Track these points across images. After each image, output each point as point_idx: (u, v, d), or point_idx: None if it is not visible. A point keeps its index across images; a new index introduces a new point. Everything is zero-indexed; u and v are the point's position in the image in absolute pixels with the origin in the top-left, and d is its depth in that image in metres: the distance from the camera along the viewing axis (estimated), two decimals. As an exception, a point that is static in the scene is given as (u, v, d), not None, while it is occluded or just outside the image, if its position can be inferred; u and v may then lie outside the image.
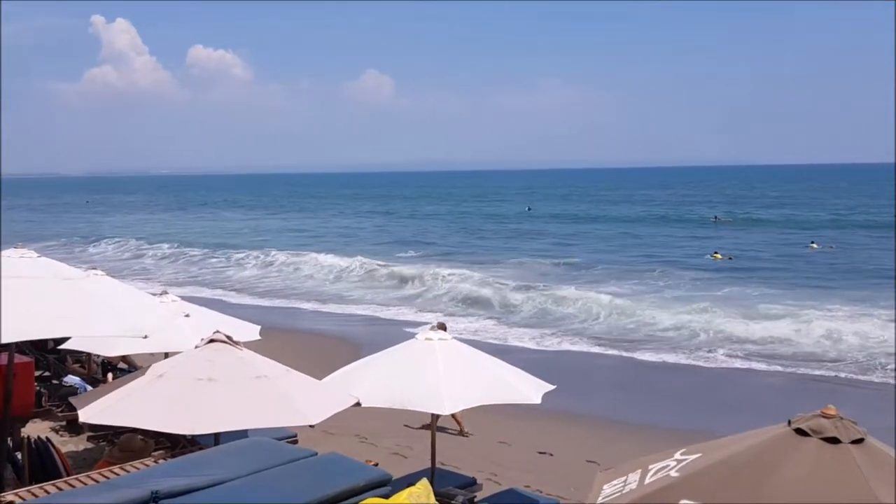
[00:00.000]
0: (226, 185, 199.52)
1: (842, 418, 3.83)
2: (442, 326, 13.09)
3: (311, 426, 6.39)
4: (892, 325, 20.41)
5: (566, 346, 19.69)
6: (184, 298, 11.04)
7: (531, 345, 19.80)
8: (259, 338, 9.82)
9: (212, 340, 6.82)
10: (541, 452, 11.51)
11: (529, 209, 78.56)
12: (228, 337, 6.87)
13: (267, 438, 6.05)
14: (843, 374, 16.47)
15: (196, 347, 6.89)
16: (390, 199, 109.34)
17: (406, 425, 12.38)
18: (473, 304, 25.25)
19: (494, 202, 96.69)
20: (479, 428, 12.03)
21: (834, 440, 3.72)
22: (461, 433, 12.31)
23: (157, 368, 6.74)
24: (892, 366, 16.50)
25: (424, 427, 12.42)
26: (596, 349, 19.18)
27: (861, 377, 16.26)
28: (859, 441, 3.72)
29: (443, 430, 12.51)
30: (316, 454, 5.43)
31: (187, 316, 8.75)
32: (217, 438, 7.05)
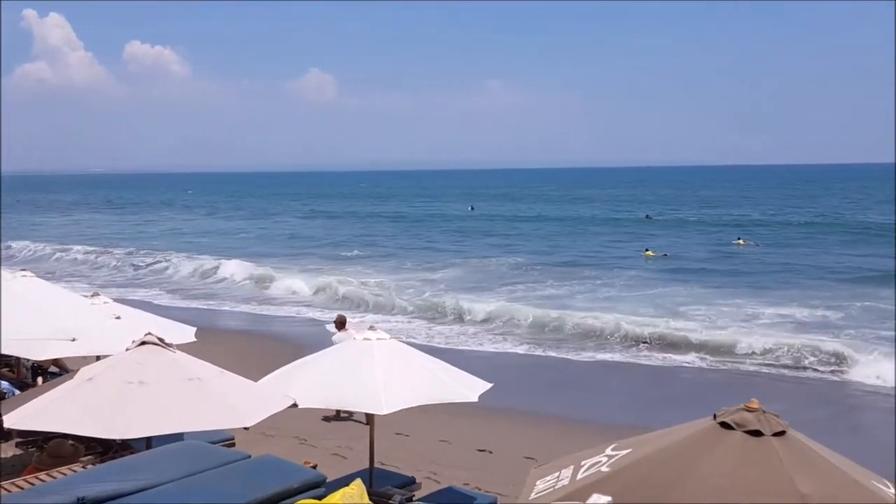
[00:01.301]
0: (164, 184, 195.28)
1: (765, 412, 3.96)
2: (341, 319, 13.21)
3: (245, 428, 6.30)
4: (813, 321, 21.21)
5: (502, 346, 19.74)
6: (117, 300, 10.76)
7: (468, 345, 19.82)
8: (194, 339, 9.65)
9: (143, 342, 6.67)
10: (480, 450, 11.56)
11: (472, 209, 78.88)
12: (160, 339, 6.73)
13: (200, 442, 5.96)
14: (772, 371, 16.87)
15: (127, 350, 6.72)
16: (334, 199, 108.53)
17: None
18: (408, 303, 25.09)
19: (438, 202, 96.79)
20: (419, 427, 12.02)
21: (757, 433, 3.84)
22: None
23: (86, 372, 6.56)
24: (815, 359, 17.01)
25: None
26: (532, 349, 19.26)
27: (788, 373, 16.72)
28: (781, 433, 3.86)
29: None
30: (249, 457, 5.37)
31: (118, 318, 8.56)
32: (149, 442, 6.92)
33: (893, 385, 15.14)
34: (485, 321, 22.28)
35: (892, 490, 3.89)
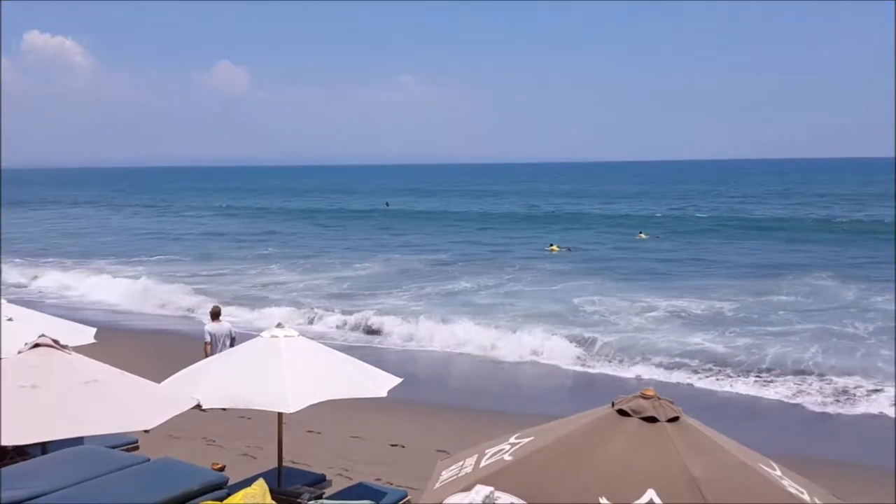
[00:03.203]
0: (68, 180, 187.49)
1: (659, 398, 4.10)
2: (216, 310, 13.17)
3: (146, 431, 6.11)
4: (706, 314, 21.87)
5: (412, 343, 19.70)
6: (12, 301, 10.27)
7: (382, 343, 19.78)
8: (94, 341, 9.33)
9: (36, 345, 6.39)
10: (393, 445, 11.58)
11: (388, 205, 78.59)
12: (55, 341, 6.46)
13: (97, 446, 5.75)
14: (672, 364, 17.07)
15: (19, 353, 6.43)
16: (244, 195, 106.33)
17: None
18: (320, 303, 24.78)
19: (352, 197, 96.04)
20: (330, 423, 11.95)
21: (652, 419, 3.97)
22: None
23: (-25, 376, 6.24)
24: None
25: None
26: (444, 346, 19.26)
27: (689, 362, 17.13)
28: (675, 419, 4.00)
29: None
30: (148, 460, 5.22)
31: (10, 320, 8.19)
32: (45, 448, 6.65)
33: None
34: (400, 316, 22.10)
35: (778, 471, 4.09)
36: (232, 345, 12.80)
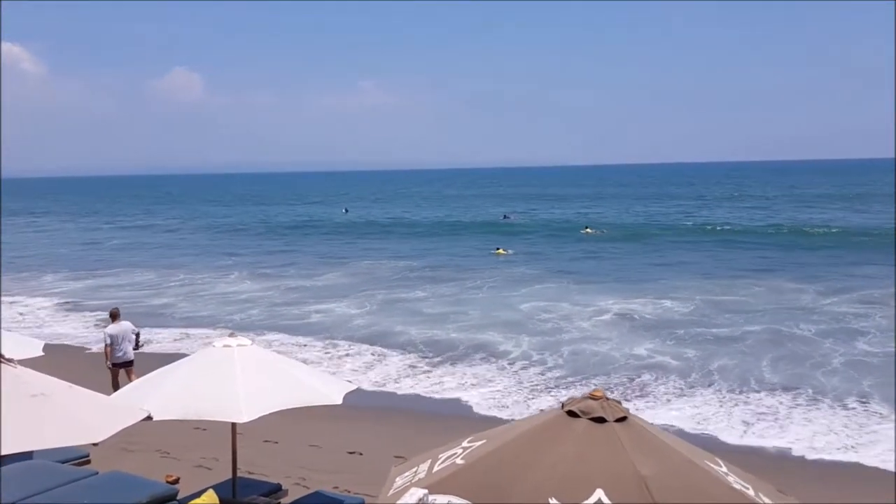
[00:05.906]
0: (16, 190, 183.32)
1: (608, 399, 4.17)
2: (114, 312, 13.19)
3: (94, 444, 6.00)
4: (657, 316, 22.03)
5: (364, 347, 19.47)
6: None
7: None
8: (42, 353, 9.16)
9: (-20, 359, 6.22)
10: (350, 452, 11.53)
11: (346, 211, 78.42)
12: (-1, 354, 6.31)
13: (44, 461, 5.63)
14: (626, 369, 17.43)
15: (-38, 367, 6.25)
16: (199, 203, 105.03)
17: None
18: (276, 311, 24.65)
19: (310, 205, 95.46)
20: (287, 433, 11.86)
21: (600, 419, 4.04)
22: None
23: (-84, 393, 6.06)
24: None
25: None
26: (398, 351, 19.03)
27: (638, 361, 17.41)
28: (622, 419, 4.07)
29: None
30: (96, 474, 5.13)
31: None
32: (-10, 464, 6.49)
33: None
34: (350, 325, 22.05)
35: (723, 468, 4.18)
36: (137, 341, 13.10)
